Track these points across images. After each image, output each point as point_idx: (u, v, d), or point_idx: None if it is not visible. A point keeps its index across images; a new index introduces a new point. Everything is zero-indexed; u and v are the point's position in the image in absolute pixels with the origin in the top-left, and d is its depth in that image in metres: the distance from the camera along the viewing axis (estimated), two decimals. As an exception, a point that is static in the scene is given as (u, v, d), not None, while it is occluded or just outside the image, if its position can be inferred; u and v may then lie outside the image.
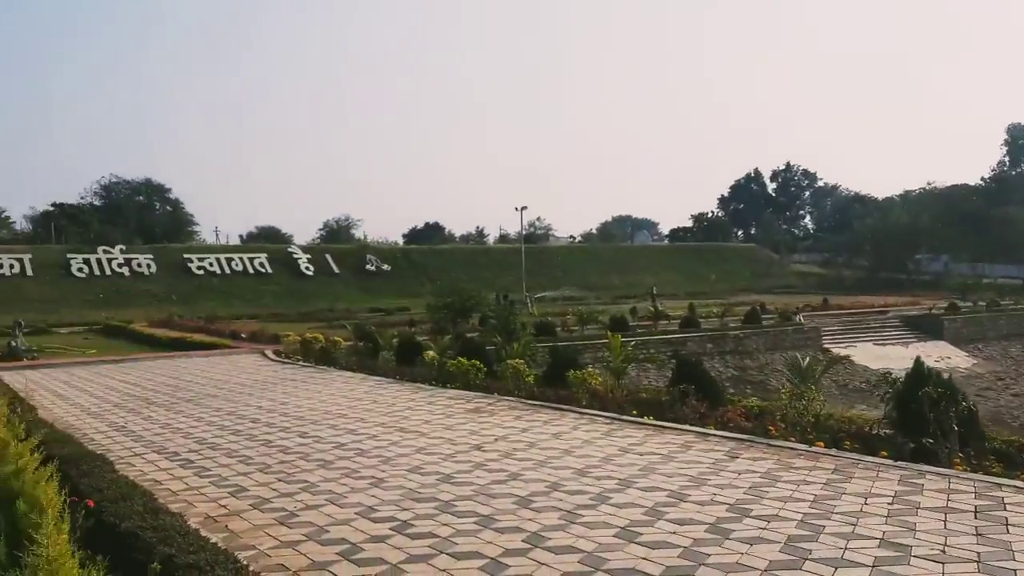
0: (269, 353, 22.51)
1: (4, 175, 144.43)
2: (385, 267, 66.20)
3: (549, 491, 6.97)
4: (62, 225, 77.11)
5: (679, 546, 5.40)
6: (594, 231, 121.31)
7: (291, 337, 23.11)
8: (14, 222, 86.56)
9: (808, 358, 11.03)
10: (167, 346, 27.74)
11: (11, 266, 52.57)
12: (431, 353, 16.60)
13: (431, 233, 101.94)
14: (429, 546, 5.55)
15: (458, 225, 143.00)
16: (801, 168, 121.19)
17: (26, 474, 3.67)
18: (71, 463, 6.96)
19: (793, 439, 8.80)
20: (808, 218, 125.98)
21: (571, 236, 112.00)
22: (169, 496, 7.04)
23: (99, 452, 8.52)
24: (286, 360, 20.81)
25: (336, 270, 64.05)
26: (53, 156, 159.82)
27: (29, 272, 52.78)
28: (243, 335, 29.17)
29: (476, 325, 29.63)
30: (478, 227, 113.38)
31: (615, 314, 33.57)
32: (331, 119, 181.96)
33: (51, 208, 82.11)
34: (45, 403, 13.72)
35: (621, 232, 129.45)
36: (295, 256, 64.58)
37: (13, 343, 24.94)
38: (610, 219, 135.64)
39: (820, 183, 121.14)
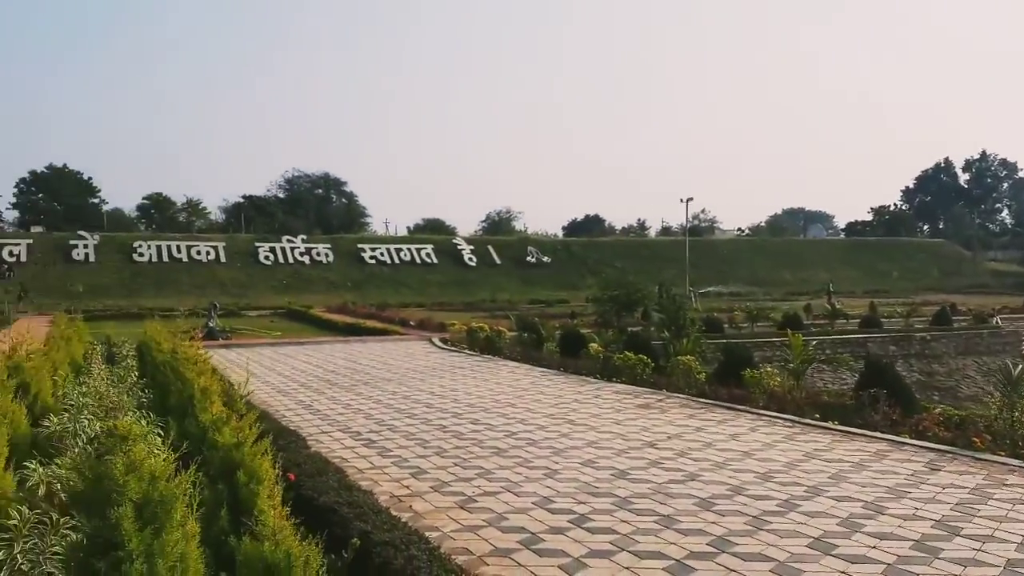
0: (436, 340, 23.25)
1: (202, 169, 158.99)
2: (545, 259, 66.82)
3: (732, 494, 6.67)
4: (251, 215, 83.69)
5: (882, 562, 5.00)
6: (763, 224, 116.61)
7: (457, 326, 23.76)
8: (210, 212, 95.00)
9: (1021, 365, 9.95)
10: (343, 331, 29.36)
11: (207, 253, 57.67)
12: (595, 346, 16.50)
13: (591, 225, 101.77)
14: (610, 542, 5.46)
15: (618, 217, 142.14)
16: (999, 157, 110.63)
17: (245, 447, 3.91)
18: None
19: (1003, 453, 7.97)
20: (1006, 212, 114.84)
21: (738, 229, 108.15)
22: (356, 474, 7.37)
23: (292, 428, 9.10)
24: (452, 348, 21.41)
25: (497, 261, 65.40)
26: (243, 151, 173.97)
27: (223, 259, 57.66)
28: (411, 322, 30.34)
29: (639, 319, 29.21)
30: (639, 219, 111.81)
31: (787, 311, 32.02)
32: (489, 115, 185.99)
33: (241, 200, 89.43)
34: (240, 381, 14.85)
35: (793, 225, 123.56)
36: (459, 247, 66.57)
37: (210, 323, 27.30)
38: (780, 211, 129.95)
39: (1021, 174, 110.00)
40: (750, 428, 9.63)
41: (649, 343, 15.82)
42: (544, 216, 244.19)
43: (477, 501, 6.53)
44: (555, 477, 7.32)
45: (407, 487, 7.01)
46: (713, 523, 5.87)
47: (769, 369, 12.52)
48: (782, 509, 6.21)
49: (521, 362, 17.58)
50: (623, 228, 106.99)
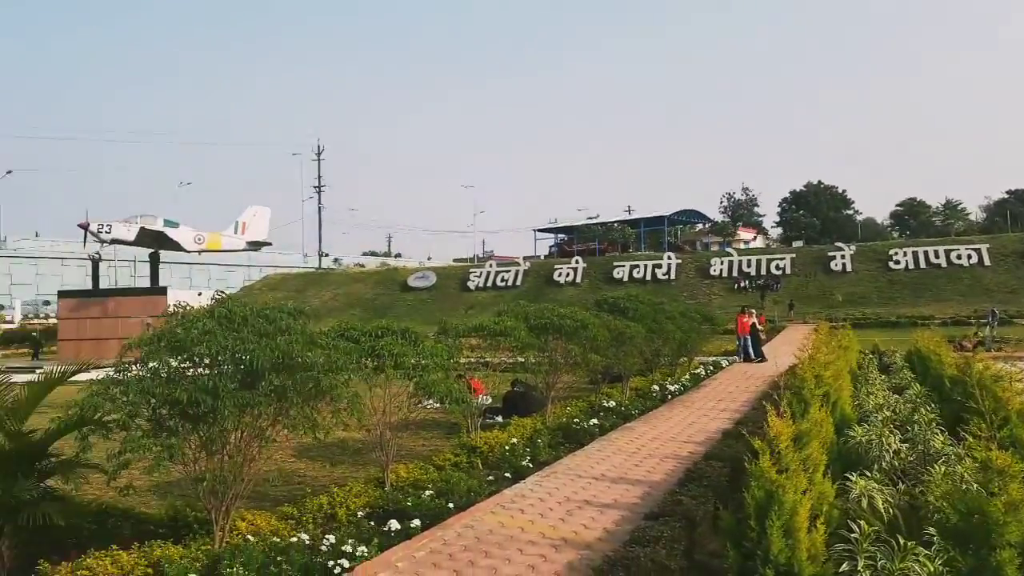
0: None
1: (958, 169, 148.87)
2: None
3: None
4: (1017, 212, 74.47)
5: None
6: None
7: None
8: (969, 213, 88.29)
9: None
10: None
11: (968, 256, 53.36)
12: None
13: None
14: None
15: None
16: None
17: None
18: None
19: None
20: None
21: None
22: None
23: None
24: None
25: None
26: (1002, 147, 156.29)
27: (986, 262, 52.56)
28: None
29: None
30: None
31: None
32: None
33: (1005, 196, 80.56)
34: None
35: None
36: None
37: (990, 331, 24.98)
38: None
39: None
40: None
41: None
42: None
43: None
44: None
45: None
46: None
47: None
48: None
49: None
50: None
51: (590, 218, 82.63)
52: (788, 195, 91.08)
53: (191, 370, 5.74)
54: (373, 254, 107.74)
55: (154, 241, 30.96)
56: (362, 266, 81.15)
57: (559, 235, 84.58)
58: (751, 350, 22.69)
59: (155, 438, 5.29)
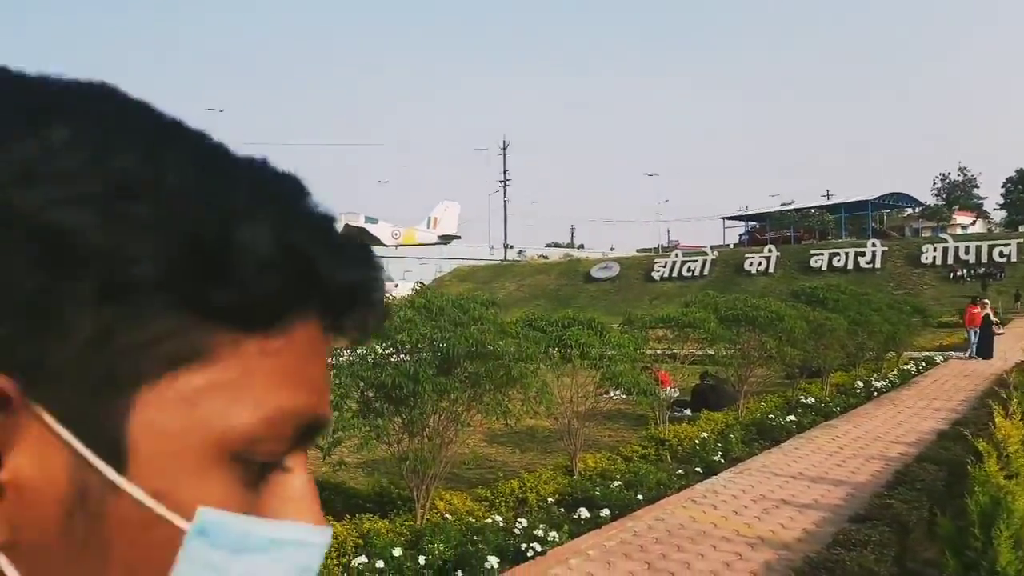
0: None
1: None
2: None
3: None
4: None
5: None
6: None
7: None
8: None
9: None
10: None
11: None
12: None
13: None
14: None
15: None
16: None
17: None
18: None
19: None
20: None
21: None
22: None
23: None
24: None
25: None
26: None
27: None
28: None
29: None
30: None
31: None
32: None
33: None
34: None
35: None
36: None
37: None
38: None
39: None
40: None
41: None
42: None
43: None
44: None
45: None
46: None
47: None
48: None
49: None
50: None
51: (784, 204, 78.60)
52: (1014, 174, 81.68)
53: (393, 356, 6.11)
54: (556, 245, 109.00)
55: (356, 236, 33.20)
56: (546, 257, 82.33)
57: (750, 222, 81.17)
58: (979, 345, 20.62)
59: (363, 419, 5.69)
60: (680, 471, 7.98)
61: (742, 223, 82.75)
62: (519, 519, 6.00)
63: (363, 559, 5.05)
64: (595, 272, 60.87)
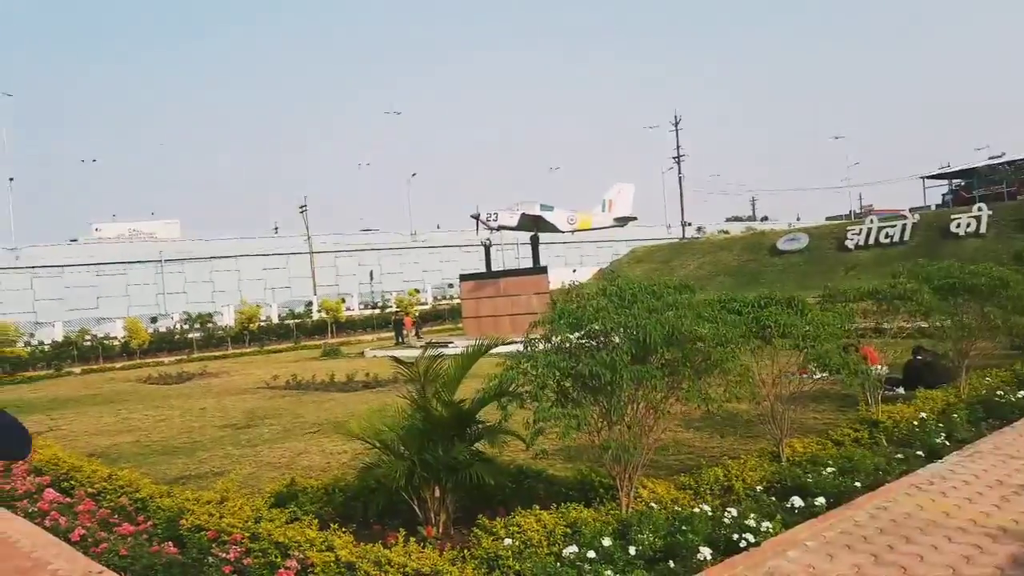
0: None
1: None
2: None
3: None
4: None
5: None
6: None
7: None
8: None
9: None
10: None
11: None
12: None
13: None
14: None
15: None
16: None
17: None
18: None
19: None
20: None
21: None
22: None
23: None
24: None
25: None
26: None
27: None
28: None
29: None
30: None
31: None
32: None
33: None
34: None
35: None
36: None
37: None
38: None
39: None
40: None
41: None
42: None
43: None
44: None
45: None
46: None
47: None
48: None
49: None
50: None
51: (993, 157, 70.72)
52: None
53: (588, 345, 6.10)
54: (737, 219, 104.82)
55: (533, 224, 33.61)
56: (726, 232, 79.39)
57: (954, 181, 73.81)
58: None
59: (561, 408, 5.73)
60: (899, 455, 7.43)
61: (944, 182, 75.48)
62: (727, 508, 5.82)
63: (573, 548, 5.09)
64: (782, 244, 57.93)
